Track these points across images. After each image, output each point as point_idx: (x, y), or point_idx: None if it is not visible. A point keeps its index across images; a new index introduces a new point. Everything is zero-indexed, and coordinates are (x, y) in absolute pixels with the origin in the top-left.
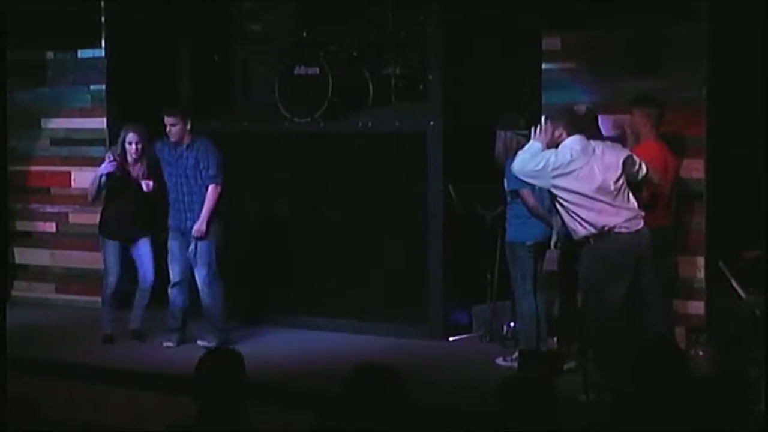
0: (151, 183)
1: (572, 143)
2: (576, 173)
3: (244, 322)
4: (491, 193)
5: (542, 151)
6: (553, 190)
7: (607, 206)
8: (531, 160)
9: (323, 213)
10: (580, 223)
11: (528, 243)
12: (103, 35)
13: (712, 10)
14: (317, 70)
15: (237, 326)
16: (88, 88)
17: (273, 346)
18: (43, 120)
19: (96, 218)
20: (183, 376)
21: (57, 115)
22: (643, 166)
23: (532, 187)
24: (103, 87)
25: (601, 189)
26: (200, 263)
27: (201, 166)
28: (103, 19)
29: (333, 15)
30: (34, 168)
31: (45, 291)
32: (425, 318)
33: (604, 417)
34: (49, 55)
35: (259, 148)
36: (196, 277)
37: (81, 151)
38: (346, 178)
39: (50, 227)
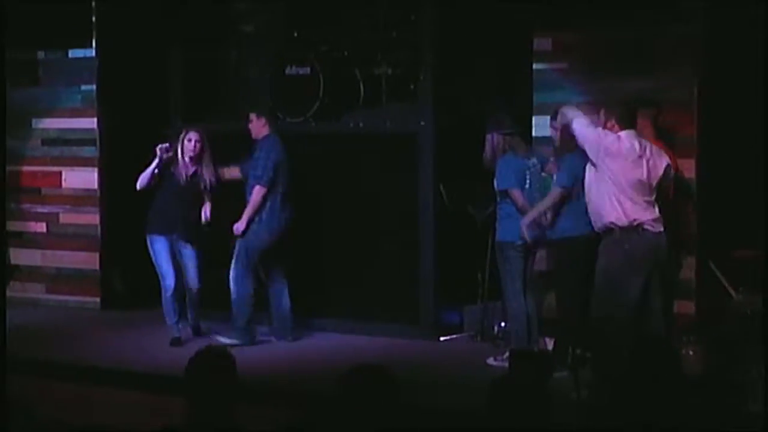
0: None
1: (624, 137)
2: (625, 159)
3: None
4: (482, 193)
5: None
6: (599, 171)
7: (642, 202)
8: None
9: (314, 213)
10: (612, 211)
11: (518, 243)
12: (95, 35)
13: (705, 11)
14: (308, 70)
15: (225, 325)
16: (80, 88)
17: (264, 346)
18: (34, 120)
19: (86, 219)
20: (176, 376)
21: (48, 115)
22: (670, 176)
23: (521, 186)
24: (94, 87)
25: (645, 185)
26: (233, 261)
27: (253, 165)
28: (94, 19)
29: (324, 15)
30: (25, 168)
31: (36, 291)
32: (417, 318)
33: (595, 416)
34: (41, 55)
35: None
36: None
37: (72, 152)
38: (338, 178)
39: (41, 227)
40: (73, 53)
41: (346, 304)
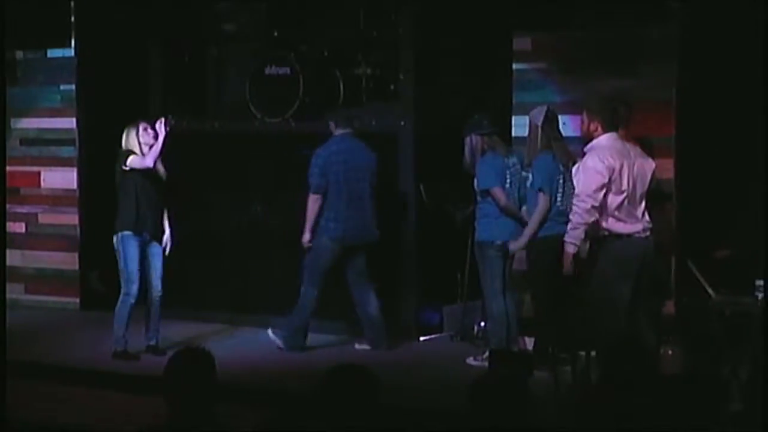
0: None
1: (606, 143)
2: (608, 179)
3: (216, 321)
4: (462, 192)
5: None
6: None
7: (628, 215)
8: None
9: (295, 213)
10: (598, 226)
11: (498, 242)
12: (73, 35)
13: (684, 11)
14: (288, 70)
15: (208, 325)
16: (58, 87)
17: (245, 346)
18: (12, 120)
19: (65, 219)
20: (155, 377)
21: (27, 115)
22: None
23: (503, 185)
24: (73, 87)
25: (628, 197)
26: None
27: None
28: (73, 18)
29: (304, 15)
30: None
31: (15, 291)
32: (397, 318)
33: (576, 416)
34: (19, 54)
35: (230, 147)
36: None
37: (51, 151)
38: None
39: (20, 228)
40: (51, 53)
41: (326, 304)
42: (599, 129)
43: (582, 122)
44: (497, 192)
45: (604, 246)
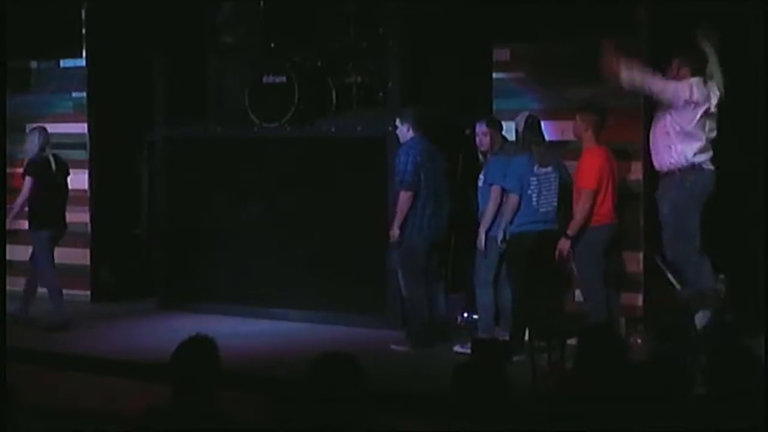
0: None
1: (696, 82)
2: (696, 105)
3: (214, 312)
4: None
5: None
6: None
7: (701, 141)
8: None
9: (289, 211)
10: (675, 154)
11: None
12: (84, 46)
13: (650, 23)
14: (284, 79)
15: (205, 316)
16: (70, 95)
17: (242, 336)
18: (27, 125)
19: (77, 217)
20: (161, 364)
21: (41, 121)
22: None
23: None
24: (84, 94)
25: (702, 121)
26: (399, 269)
27: (395, 170)
28: (84, 31)
29: (299, 28)
30: (18, 170)
31: None
32: (384, 309)
33: (549, 400)
34: (33, 64)
35: (230, 151)
36: None
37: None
38: (311, 179)
39: None
40: (64, 62)
41: (319, 296)
42: (687, 73)
43: (671, 68)
44: (495, 189)
45: (674, 177)
